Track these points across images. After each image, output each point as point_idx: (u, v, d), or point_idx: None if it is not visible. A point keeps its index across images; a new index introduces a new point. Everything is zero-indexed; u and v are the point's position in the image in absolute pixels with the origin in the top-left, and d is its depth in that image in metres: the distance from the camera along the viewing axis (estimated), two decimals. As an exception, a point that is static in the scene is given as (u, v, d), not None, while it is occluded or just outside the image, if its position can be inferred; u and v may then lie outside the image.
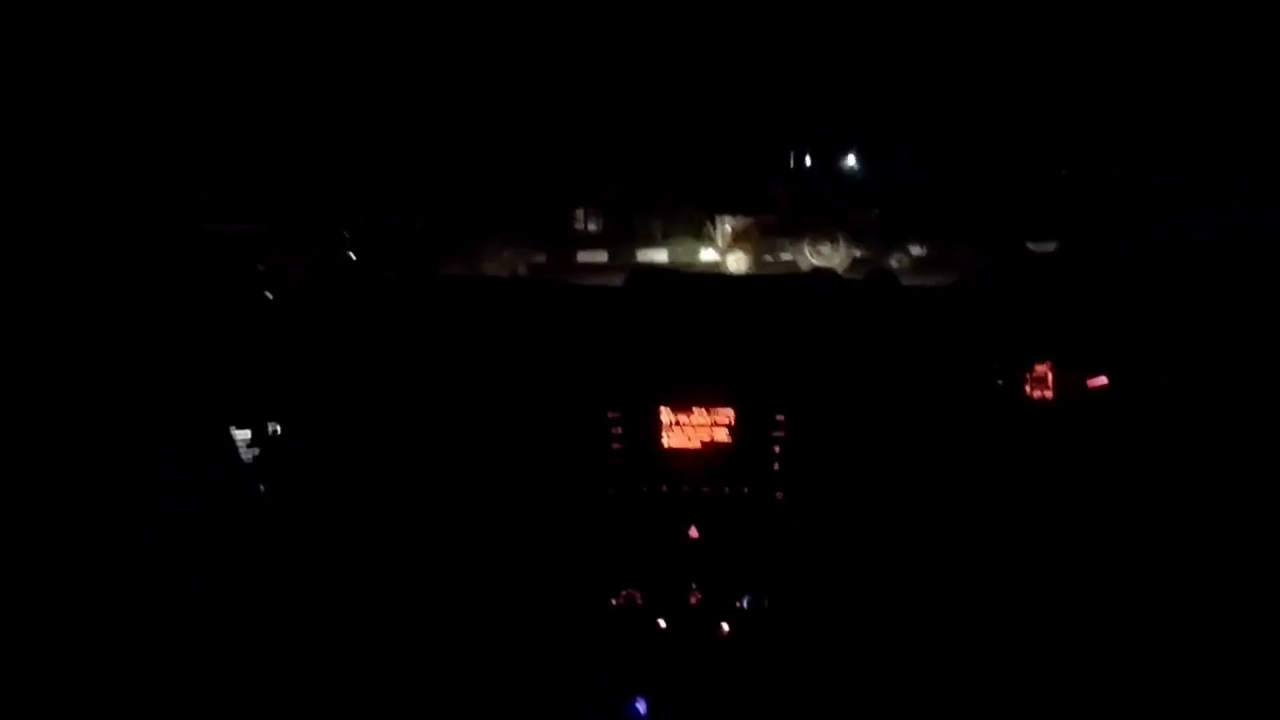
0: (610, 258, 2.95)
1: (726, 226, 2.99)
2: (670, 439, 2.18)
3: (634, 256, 2.94)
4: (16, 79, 2.15)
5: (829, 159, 3.09)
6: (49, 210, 2.17)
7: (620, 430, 2.19)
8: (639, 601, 2.15)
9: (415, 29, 2.69)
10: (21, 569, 1.96)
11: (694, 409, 2.17)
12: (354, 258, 2.79)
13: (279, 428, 2.26)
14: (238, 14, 2.51)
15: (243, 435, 2.24)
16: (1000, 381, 2.24)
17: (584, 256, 2.96)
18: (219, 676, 2.03)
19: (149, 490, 2.13)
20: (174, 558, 2.09)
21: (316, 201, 2.79)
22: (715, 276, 2.42)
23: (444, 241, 2.93)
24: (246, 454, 2.25)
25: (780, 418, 2.16)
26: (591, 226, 3.03)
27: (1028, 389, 2.25)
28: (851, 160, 3.09)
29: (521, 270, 2.90)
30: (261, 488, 2.24)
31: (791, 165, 3.11)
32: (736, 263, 2.94)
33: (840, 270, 2.81)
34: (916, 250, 2.94)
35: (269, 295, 2.39)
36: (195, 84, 2.53)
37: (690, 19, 2.77)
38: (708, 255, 2.96)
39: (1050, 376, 2.25)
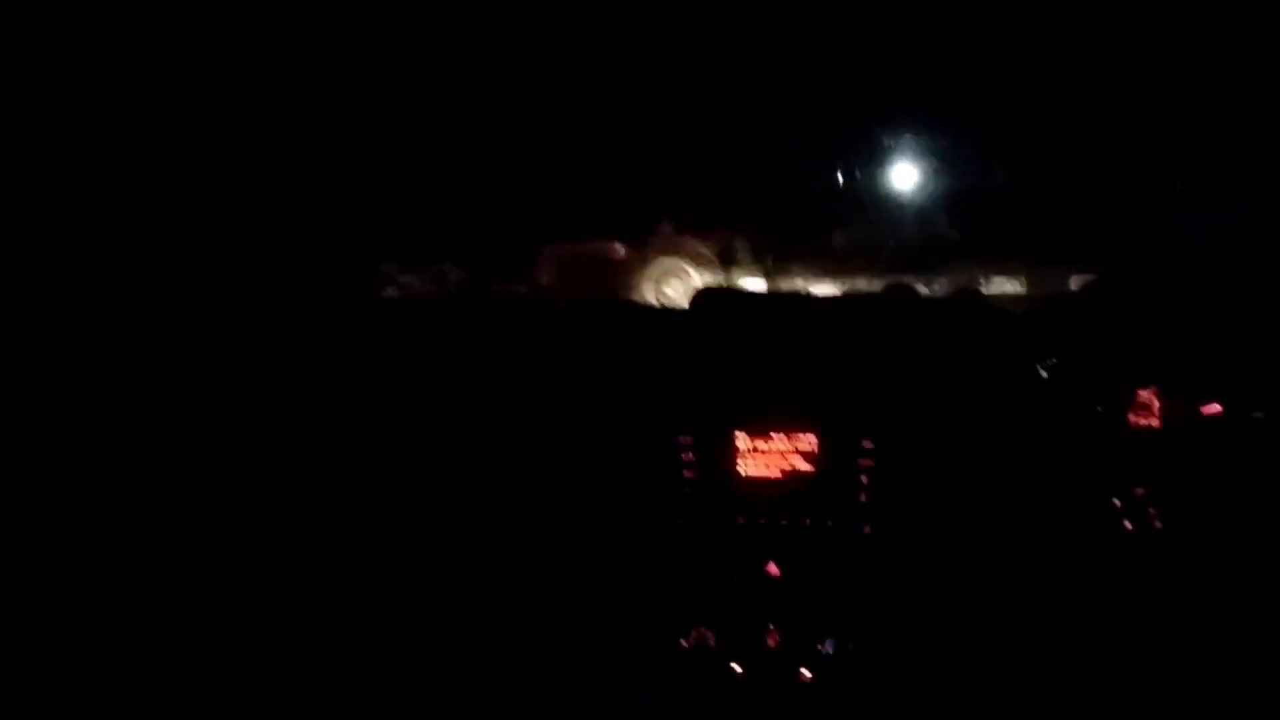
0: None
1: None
2: (746, 466, 2.02)
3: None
4: (17, 79, 2.09)
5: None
6: (51, 211, 2.12)
7: (692, 457, 2.03)
8: (712, 643, 2.00)
9: (418, 29, 2.60)
10: (21, 569, 1.93)
11: (773, 434, 2.02)
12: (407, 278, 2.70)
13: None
14: (237, 13, 2.44)
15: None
16: (1101, 409, 2.08)
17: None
18: (219, 676, 1.98)
19: (149, 490, 2.08)
20: (174, 558, 2.04)
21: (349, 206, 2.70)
22: (789, 295, 2.27)
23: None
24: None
25: (867, 444, 1.99)
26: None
27: (1131, 416, 2.09)
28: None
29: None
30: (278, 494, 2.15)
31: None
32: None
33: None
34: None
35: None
36: (196, 84, 2.47)
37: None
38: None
39: (1156, 404, 2.09)
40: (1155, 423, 2.07)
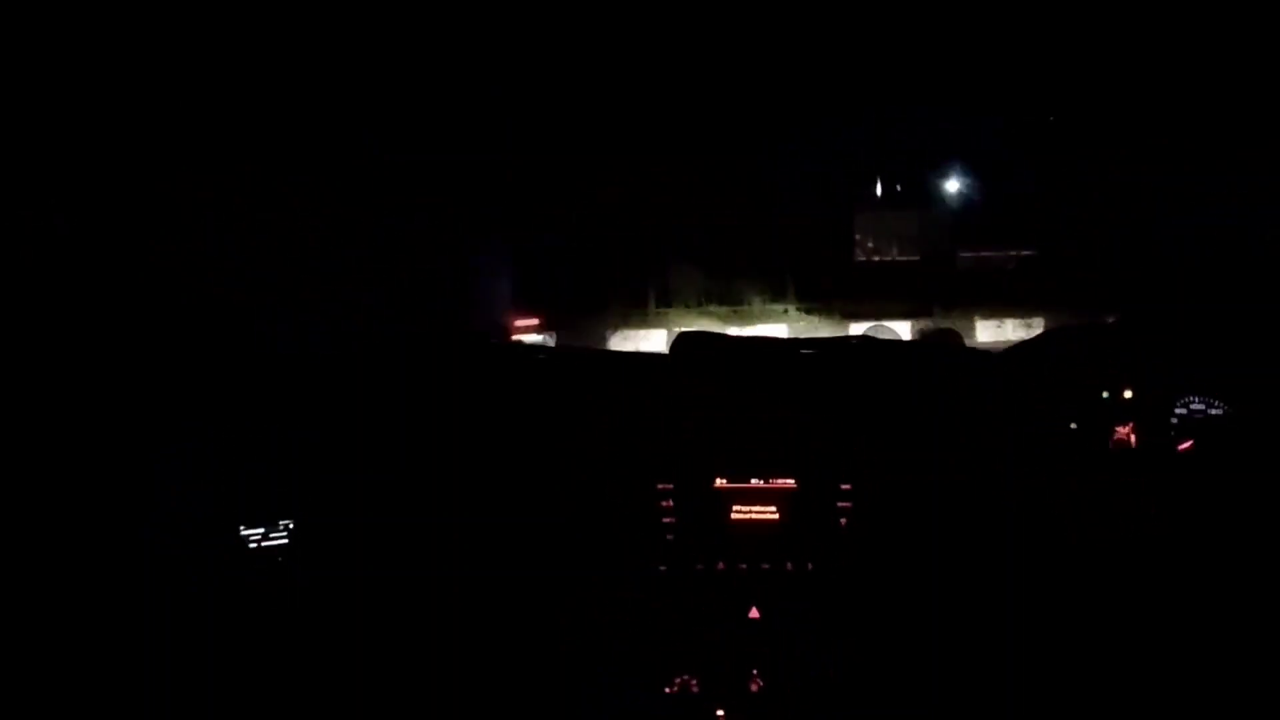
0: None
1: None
2: (727, 512, 2.04)
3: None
4: (18, 80, 2.12)
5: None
6: (54, 211, 2.13)
7: (672, 504, 2.05)
8: (695, 689, 2.00)
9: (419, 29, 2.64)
10: (22, 570, 1.91)
11: (752, 480, 2.03)
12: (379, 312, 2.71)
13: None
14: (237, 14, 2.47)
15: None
16: (1079, 439, 2.10)
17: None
18: (218, 676, 1.97)
19: (149, 490, 2.05)
20: (174, 558, 2.03)
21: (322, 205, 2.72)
22: (767, 341, 2.29)
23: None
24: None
25: (845, 487, 2.01)
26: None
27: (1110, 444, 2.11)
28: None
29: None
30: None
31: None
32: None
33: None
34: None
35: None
36: (196, 84, 2.48)
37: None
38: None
39: (1133, 439, 2.11)
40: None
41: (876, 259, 2.92)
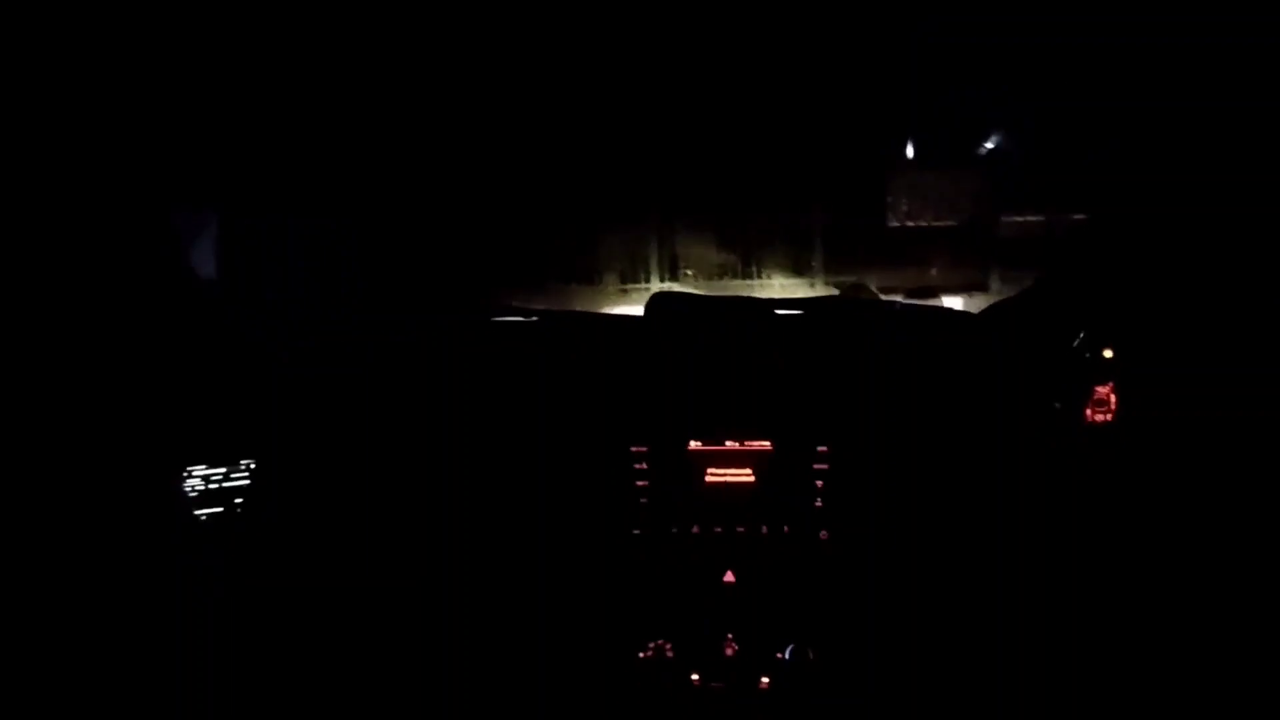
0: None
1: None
2: (701, 474, 2.00)
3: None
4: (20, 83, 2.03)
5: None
6: (79, 226, 2.05)
7: (646, 466, 2.01)
8: (669, 654, 1.97)
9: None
10: (45, 575, 1.85)
11: (726, 442, 1.99)
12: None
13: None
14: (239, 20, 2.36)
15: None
16: (1059, 406, 2.07)
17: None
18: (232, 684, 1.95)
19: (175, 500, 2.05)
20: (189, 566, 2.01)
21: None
22: (743, 300, 2.24)
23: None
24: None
25: (822, 449, 1.97)
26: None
27: (1088, 412, 2.08)
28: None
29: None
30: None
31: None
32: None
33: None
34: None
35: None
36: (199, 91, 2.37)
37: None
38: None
39: (1112, 399, 2.08)
40: (1111, 418, 2.07)
41: (911, 224, 2.77)
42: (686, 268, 2.79)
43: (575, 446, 2.02)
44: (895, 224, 2.68)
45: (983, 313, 2.16)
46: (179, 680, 1.89)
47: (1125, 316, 2.11)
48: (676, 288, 2.72)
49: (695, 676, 1.96)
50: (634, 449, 2.00)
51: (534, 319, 2.19)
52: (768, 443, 1.98)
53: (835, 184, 2.71)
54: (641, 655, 1.97)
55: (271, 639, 2.02)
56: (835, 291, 2.68)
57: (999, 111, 2.70)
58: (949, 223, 2.69)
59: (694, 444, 2.00)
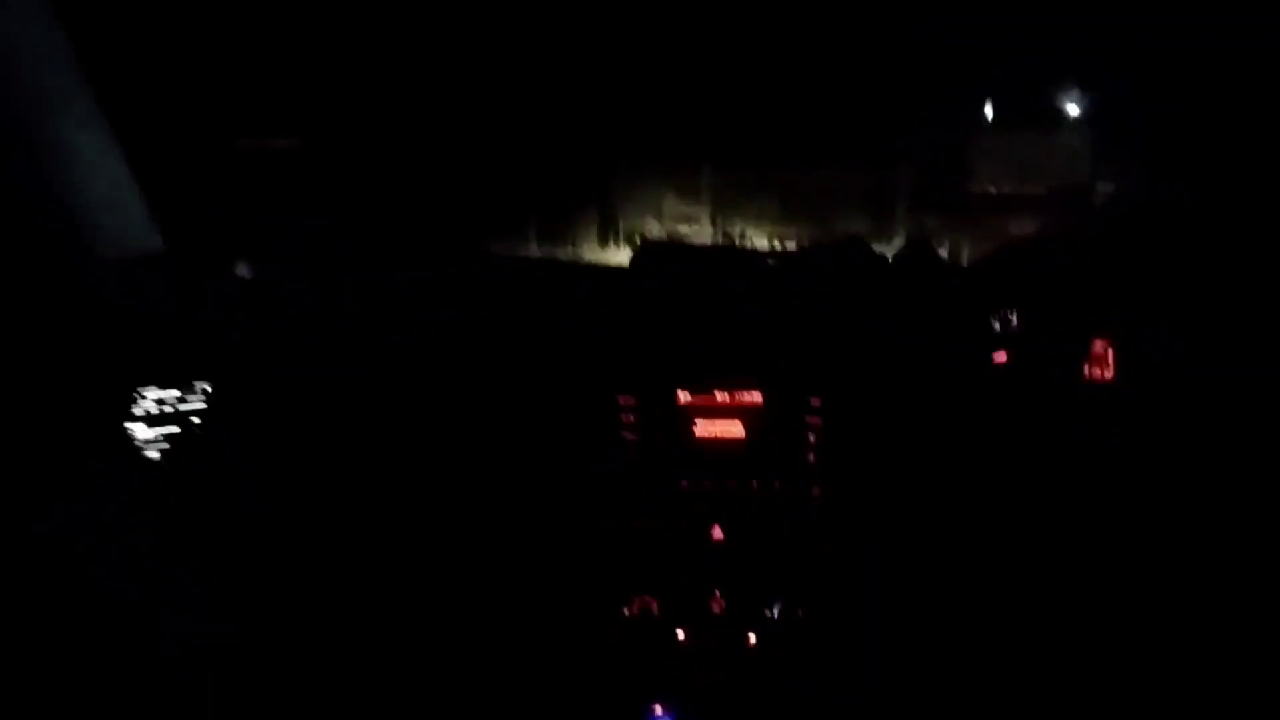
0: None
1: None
2: (690, 427, 1.94)
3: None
4: None
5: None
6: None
7: (633, 418, 1.95)
8: (655, 611, 1.93)
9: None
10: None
11: (716, 393, 1.93)
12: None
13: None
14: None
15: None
16: (1055, 362, 2.02)
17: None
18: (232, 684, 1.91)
19: None
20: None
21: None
22: (732, 249, 2.18)
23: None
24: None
25: (815, 402, 1.92)
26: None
27: (1085, 369, 2.03)
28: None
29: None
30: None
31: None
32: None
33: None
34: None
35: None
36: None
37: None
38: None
39: (1110, 354, 2.04)
40: (1109, 375, 2.03)
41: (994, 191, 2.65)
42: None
43: (563, 396, 1.96)
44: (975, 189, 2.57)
45: (976, 265, 2.10)
46: (179, 680, 1.86)
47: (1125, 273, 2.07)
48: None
49: (681, 634, 1.92)
50: (622, 400, 1.94)
51: (517, 264, 2.13)
52: (758, 395, 1.93)
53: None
54: (627, 612, 1.92)
55: (268, 635, 1.98)
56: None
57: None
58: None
59: (683, 395, 1.94)
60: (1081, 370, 2.02)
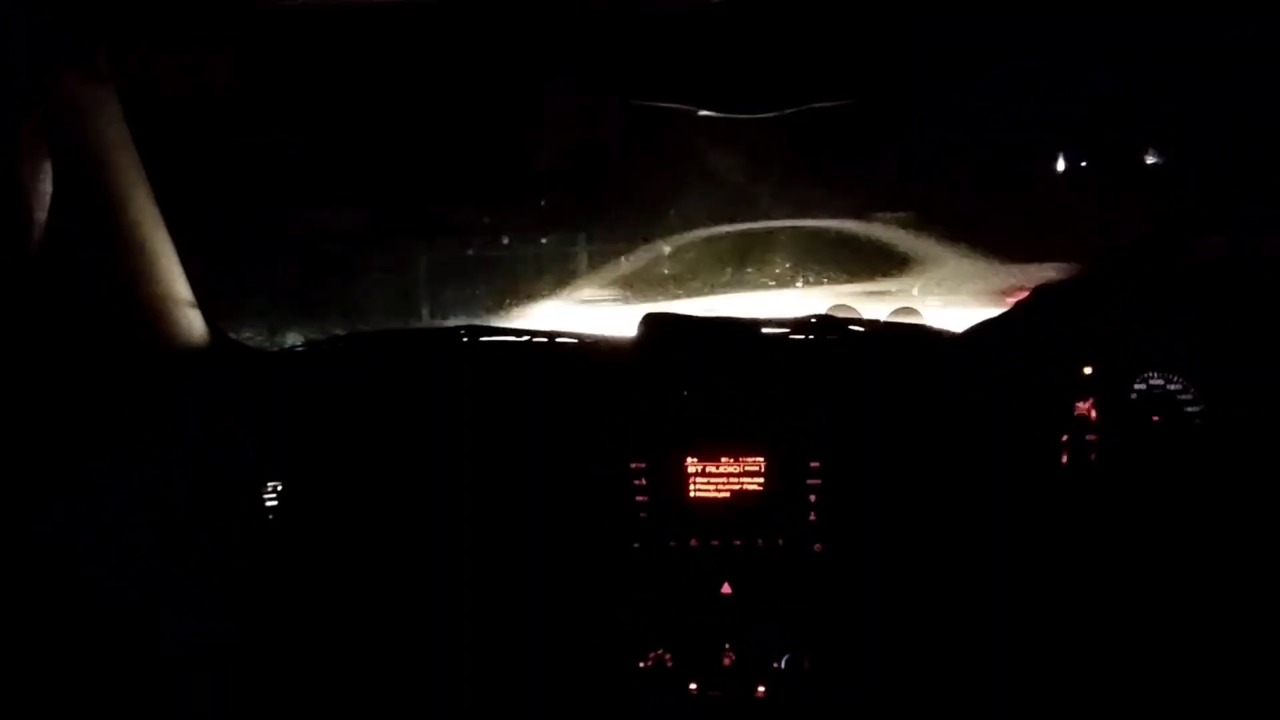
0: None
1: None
2: (697, 489, 2.07)
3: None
4: None
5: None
6: None
7: (644, 482, 2.07)
8: (669, 663, 2.03)
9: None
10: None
11: (722, 458, 2.06)
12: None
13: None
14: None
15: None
16: (1039, 424, 2.13)
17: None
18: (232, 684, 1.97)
19: None
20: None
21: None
22: (732, 319, 2.30)
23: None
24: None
25: (814, 464, 2.04)
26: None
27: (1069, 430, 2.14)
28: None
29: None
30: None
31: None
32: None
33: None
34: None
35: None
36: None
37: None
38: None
39: (1093, 416, 2.14)
40: (1093, 436, 2.13)
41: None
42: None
43: (575, 463, 2.08)
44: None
45: (963, 333, 2.22)
46: (179, 680, 1.91)
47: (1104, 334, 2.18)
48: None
49: (694, 685, 2.02)
50: (633, 465, 2.07)
51: (530, 339, 2.26)
52: (761, 459, 2.05)
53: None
54: (642, 664, 2.03)
55: (272, 644, 2.05)
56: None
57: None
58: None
59: (690, 460, 2.07)
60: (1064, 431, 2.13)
